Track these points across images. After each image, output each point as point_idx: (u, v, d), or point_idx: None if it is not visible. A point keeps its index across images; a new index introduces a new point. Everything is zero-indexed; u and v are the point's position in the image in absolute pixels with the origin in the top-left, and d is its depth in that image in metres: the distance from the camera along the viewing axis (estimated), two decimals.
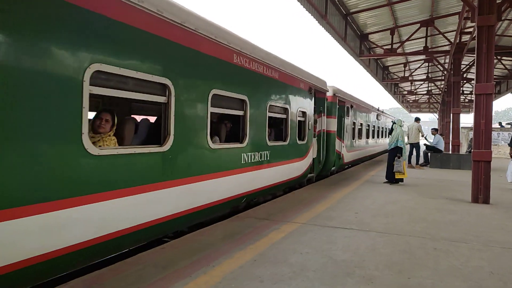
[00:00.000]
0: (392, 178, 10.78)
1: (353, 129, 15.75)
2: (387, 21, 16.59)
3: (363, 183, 10.84)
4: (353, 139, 15.78)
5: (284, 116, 8.38)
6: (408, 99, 44.46)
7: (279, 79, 7.99)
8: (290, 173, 8.81)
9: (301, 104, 9.28)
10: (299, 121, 9.18)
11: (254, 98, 6.90)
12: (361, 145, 17.62)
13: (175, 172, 4.89)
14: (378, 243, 4.98)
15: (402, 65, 25.24)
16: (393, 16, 15.78)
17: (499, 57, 19.95)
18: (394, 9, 15.21)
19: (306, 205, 7.32)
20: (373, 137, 20.80)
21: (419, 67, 25.03)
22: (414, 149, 16.87)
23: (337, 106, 12.86)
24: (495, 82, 27.78)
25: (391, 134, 11.25)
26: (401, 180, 10.83)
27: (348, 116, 14.58)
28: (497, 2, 8.41)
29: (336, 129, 12.61)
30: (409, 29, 17.12)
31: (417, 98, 42.81)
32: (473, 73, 8.75)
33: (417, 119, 17.10)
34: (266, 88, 7.47)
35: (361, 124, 17.50)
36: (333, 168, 12.86)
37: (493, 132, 15.85)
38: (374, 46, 19.22)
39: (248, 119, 6.68)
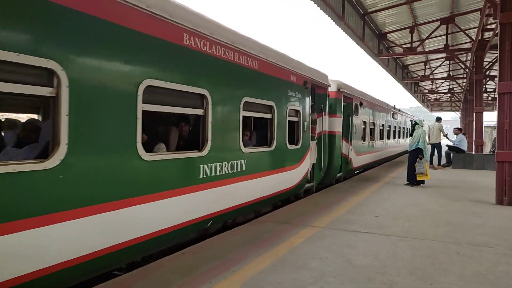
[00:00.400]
0: (413, 180, 10.59)
1: (364, 129, 14.15)
2: (406, 20, 16.38)
3: (383, 185, 10.70)
4: (364, 140, 14.21)
5: (268, 115, 6.89)
6: (429, 98, 43.65)
7: (258, 69, 6.47)
8: (279, 184, 7.33)
9: (293, 101, 7.75)
10: (290, 121, 7.68)
11: (220, 93, 5.47)
12: (374, 147, 16.07)
13: (72, 199, 3.39)
14: (399, 248, 4.91)
15: (422, 63, 24.88)
16: (412, 14, 15.58)
17: None
18: (413, 7, 15.01)
19: (325, 209, 7.28)
20: (388, 138, 19.34)
21: (440, 65, 24.60)
22: (435, 150, 16.56)
23: (343, 104, 11.31)
24: None
25: (412, 135, 11.05)
26: (422, 182, 10.62)
27: (357, 115, 12.97)
28: None
29: (341, 130, 11.15)
30: (429, 27, 16.86)
31: (438, 97, 42.00)
32: (496, 70, 8.54)
33: (439, 119, 16.83)
34: (238, 81, 6.03)
35: (374, 124, 15.84)
36: (339, 175, 11.40)
37: None
38: (393, 45, 18.99)
39: (209, 120, 5.21)
